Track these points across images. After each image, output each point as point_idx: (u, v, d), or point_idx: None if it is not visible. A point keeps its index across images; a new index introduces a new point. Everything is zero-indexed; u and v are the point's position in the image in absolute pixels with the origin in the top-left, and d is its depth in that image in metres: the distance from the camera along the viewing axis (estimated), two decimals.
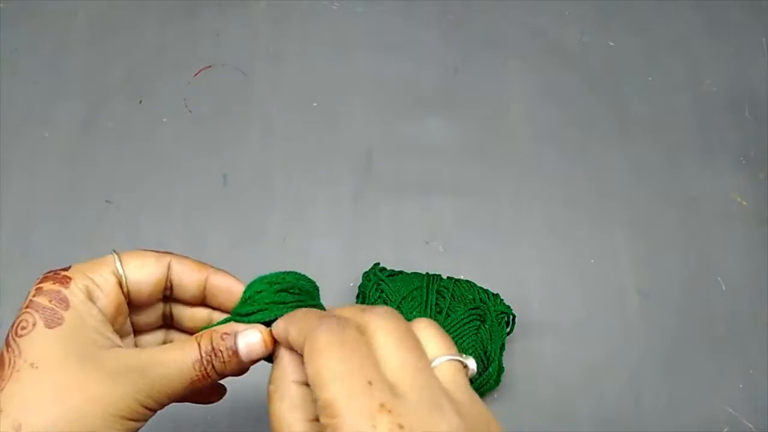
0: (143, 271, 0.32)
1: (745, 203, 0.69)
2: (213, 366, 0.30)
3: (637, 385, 0.61)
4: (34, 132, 0.69)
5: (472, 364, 0.28)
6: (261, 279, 0.36)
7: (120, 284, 0.31)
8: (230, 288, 0.34)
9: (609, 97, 0.74)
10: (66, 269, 0.31)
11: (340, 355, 0.24)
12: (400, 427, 0.22)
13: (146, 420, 0.30)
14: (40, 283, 0.31)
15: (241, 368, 0.32)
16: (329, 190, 0.68)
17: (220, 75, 0.73)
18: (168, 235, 0.65)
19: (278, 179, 0.68)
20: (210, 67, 0.73)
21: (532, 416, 0.60)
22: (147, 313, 0.34)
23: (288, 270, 0.37)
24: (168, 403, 0.31)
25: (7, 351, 0.29)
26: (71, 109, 0.70)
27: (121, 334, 0.33)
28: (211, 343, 0.31)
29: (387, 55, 0.75)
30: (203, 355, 0.30)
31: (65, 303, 0.29)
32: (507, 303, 0.60)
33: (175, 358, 0.30)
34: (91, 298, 0.30)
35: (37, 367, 0.27)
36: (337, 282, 0.64)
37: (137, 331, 0.35)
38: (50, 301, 0.29)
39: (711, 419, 0.60)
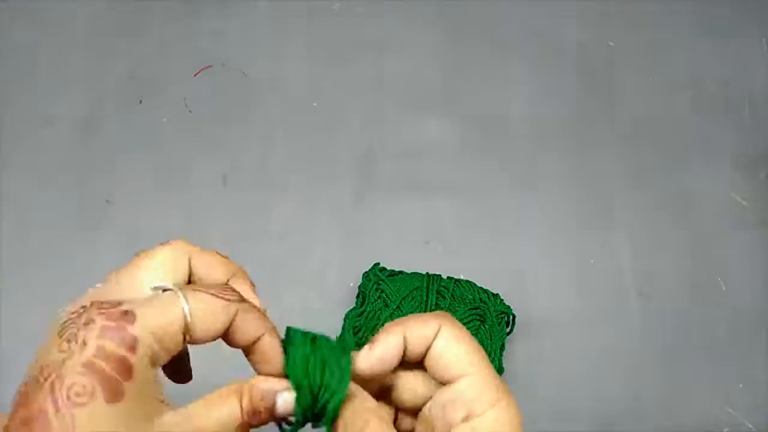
0: (211, 327, 0.28)
1: (745, 203, 0.69)
2: (251, 422, 0.29)
3: (637, 385, 0.61)
4: (34, 132, 0.69)
5: None
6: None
7: (184, 333, 0.28)
8: (272, 363, 0.30)
9: (609, 97, 0.74)
10: (129, 316, 0.26)
11: (476, 342, 0.30)
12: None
13: None
14: (100, 334, 0.26)
15: (268, 422, 0.30)
16: (329, 190, 0.68)
17: (220, 75, 0.73)
18: (168, 236, 0.65)
19: (278, 179, 0.68)
20: (210, 67, 0.73)
21: (532, 416, 0.60)
22: None
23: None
24: None
25: (56, 414, 0.24)
26: (71, 109, 0.70)
27: None
28: (251, 404, 0.29)
29: (387, 55, 0.75)
30: (245, 416, 0.28)
31: (129, 373, 0.25)
32: (507, 303, 0.60)
33: (221, 420, 0.28)
34: (155, 362, 0.27)
35: None
36: (337, 282, 0.64)
37: None
38: (113, 369, 0.25)
39: (711, 419, 0.60)
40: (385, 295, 0.58)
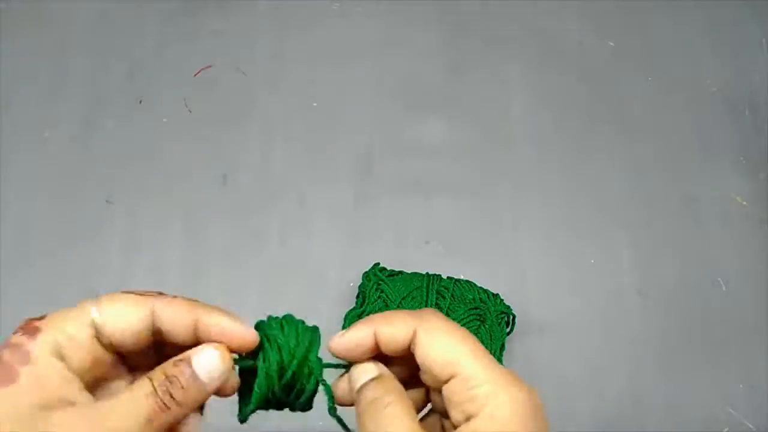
0: (123, 320, 0.29)
1: (745, 203, 0.69)
2: (171, 396, 0.28)
3: (637, 385, 0.61)
4: (34, 132, 0.69)
5: None
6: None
7: (98, 335, 0.29)
8: (224, 330, 0.30)
9: (609, 97, 0.74)
10: (41, 318, 0.29)
11: (463, 335, 0.29)
12: (531, 387, 0.29)
13: None
14: (15, 331, 0.28)
15: (207, 393, 0.29)
16: (329, 190, 0.68)
17: (220, 75, 0.73)
18: (168, 236, 0.65)
19: (278, 179, 0.68)
20: (210, 67, 0.73)
21: None
22: (145, 355, 0.32)
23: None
24: None
25: None
26: (71, 109, 0.70)
27: (110, 380, 0.31)
28: (164, 372, 0.28)
29: (387, 55, 0.75)
30: (157, 387, 0.27)
31: (25, 358, 0.27)
32: (507, 303, 0.60)
33: (125, 400, 0.27)
34: (59, 353, 0.28)
35: None
36: (337, 282, 0.64)
37: (142, 369, 0.32)
38: (11, 354, 0.27)
39: (711, 419, 0.60)
40: (385, 295, 0.58)
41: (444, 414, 0.32)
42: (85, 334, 0.28)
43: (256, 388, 0.29)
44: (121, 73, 0.72)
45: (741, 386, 0.61)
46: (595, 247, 0.67)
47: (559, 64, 0.75)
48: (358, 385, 0.31)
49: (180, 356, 0.29)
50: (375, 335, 0.30)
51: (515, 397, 0.28)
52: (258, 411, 0.31)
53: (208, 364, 0.29)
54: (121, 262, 0.63)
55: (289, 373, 0.30)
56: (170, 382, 0.28)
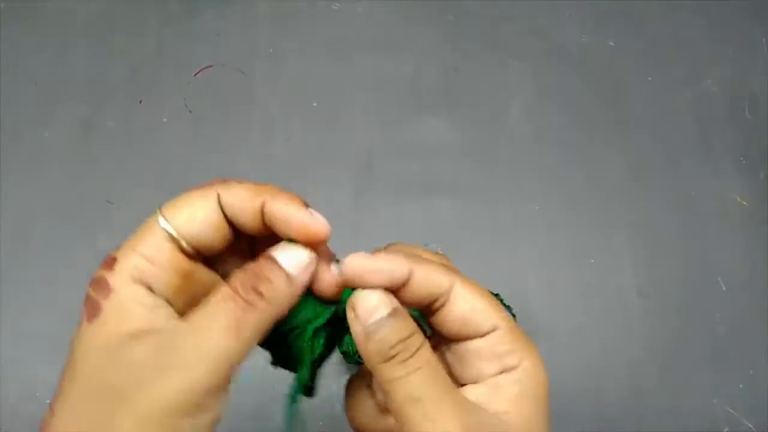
0: (195, 219, 0.27)
1: (745, 203, 0.69)
2: (257, 291, 0.25)
3: (637, 385, 0.61)
4: (34, 132, 0.69)
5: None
6: None
7: (179, 246, 0.27)
8: (288, 218, 0.27)
9: (609, 97, 0.74)
10: (118, 247, 0.28)
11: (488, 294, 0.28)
12: None
13: (217, 405, 0.24)
14: (100, 265, 0.27)
15: (297, 288, 0.26)
16: (329, 190, 0.68)
17: (220, 75, 0.73)
18: None
19: (278, 179, 0.68)
20: (210, 67, 0.73)
21: None
22: (239, 253, 0.29)
23: None
24: (240, 362, 0.25)
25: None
26: (71, 109, 0.70)
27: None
28: (247, 270, 0.26)
29: (387, 55, 0.75)
30: (239, 285, 0.25)
31: (107, 291, 0.26)
32: (507, 303, 0.60)
33: (203, 311, 0.25)
34: (141, 279, 0.26)
35: (74, 368, 0.25)
36: None
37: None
38: (95, 290, 0.26)
39: (711, 419, 0.60)
40: None
41: None
42: (164, 250, 0.27)
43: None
44: (121, 73, 0.72)
45: (741, 386, 0.61)
46: (595, 247, 0.67)
47: (559, 64, 0.75)
48: (370, 322, 0.26)
49: (262, 255, 0.26)
50: (410, 275, 0.27)
51: (540, 357, 0.29)
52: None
53: (293, 255, 0.26)
54: None
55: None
56: (255, 276, 0.25)
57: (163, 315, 0.26)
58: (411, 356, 0.25)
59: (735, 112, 0.73)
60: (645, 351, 0.63)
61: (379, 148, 0.70)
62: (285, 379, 0.29)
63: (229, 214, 0.27)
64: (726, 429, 0.60)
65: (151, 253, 0.27)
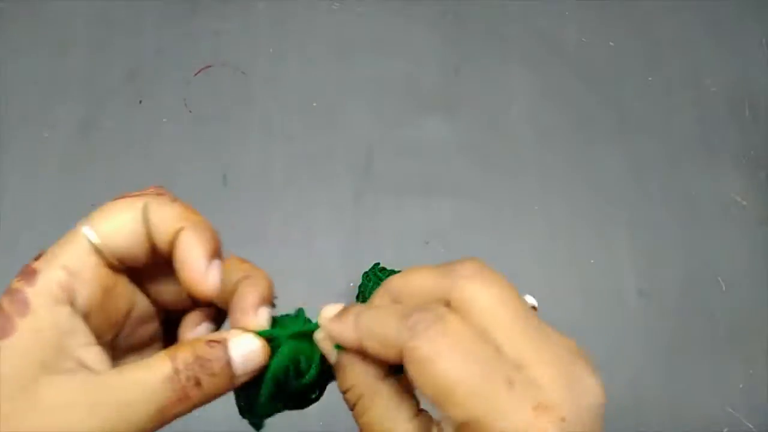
0: (122, 234, 0.25)
1: (745, 203, 0.69)
2: (198, 382, 0.23)
3: (637, 385, 0.61)
4: (34, 132, 0.69)
5: (533, 300, 0.25)
6: None
7: (103, 258, 0.25)
8: (184, 260, 0.25)
9: (609, 97, 0.74)
10: (38, 257, 0.25)
11: (461, 359, 0.20)
12: (563, 420, 0.20)
13: None
14: (16, 275, 0.25)
15: (233, 386, 0.25)
16: (329, 190, 0.68)
17: (220, 75, 0.73)
18: None
19: (278, 179, 0.68)
20: (210, 67, 0.73)
21: None
22: (178, 298, 0.27)
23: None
24: None
25: None
26: (71, 109, 0.70)
27: (141, 342, 0.26)
28: (194, 353, 0.23)
29: (387, 55, 0.75)
30: (181, 368, 0.23)
31: (24, 307, 0.23)
32: None
33: (138, 378, 0.23)
34: (62, 297, 0.24)
35: None
36: (337, 282, 0.64)
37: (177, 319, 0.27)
38: (10, 303, 0.23)
39: (711, 419, 0.60)
40: None
41: None
42: (88, 263, 0.24)
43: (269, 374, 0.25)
44: (121, 73, 0.72)
45: (741, 386, 0.61)
46: (595, 247, 0.67)
47: (559, 64, 0.75)
48: (332, 357, 0.25)
49: (214, 336, 0.24)
50: (360, 347, 0.24)
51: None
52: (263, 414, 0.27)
53: (248, 352, 0.24)
54: None
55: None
56: (200, 366, 0.23)
57: (84, 343, 0.24)
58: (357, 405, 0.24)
59: (735, 112, 0.73)
60: (645, 351, 0.63)
61: (379, 148, 0.70)
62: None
63: (148, 228, 0.25)
64: (726, 429, 0.60)
65: (74, 266, 0.25)
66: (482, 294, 0.23)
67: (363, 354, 0.24)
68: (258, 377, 0.25)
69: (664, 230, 0.68)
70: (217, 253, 0.26)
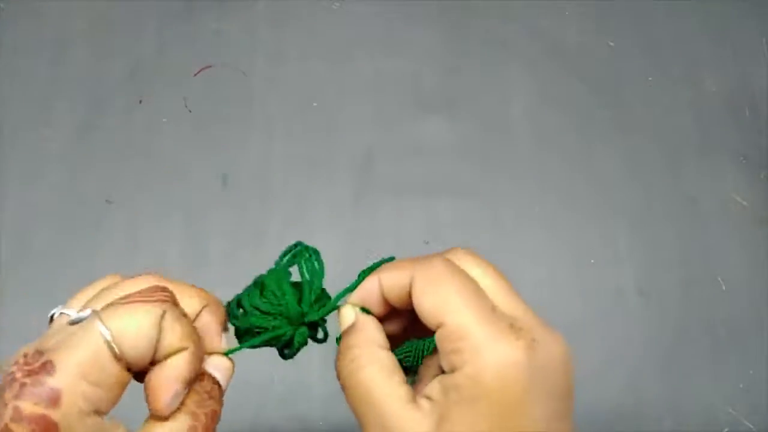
0: (140, 342, 0.24)
1: (745, 203, 0.69)
2: (208, 414, 0.25)
3: (637, 385, 0.61)
4: (34, 132, 0.69)
5: None
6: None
7: (116, 358, 0.24)
8: (158, 387, 0.25)
9: (609, 97, 0.74)
10: (48, 367, 0.23)
11: (460, 285, 0.26)
12: (534, 341, 0.26)
13: None
14: (18, 394, 0.22)
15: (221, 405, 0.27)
16: (329, 190, 0.68)
17: (220, 75, 0.73)
18: (168, 236, 0.65)
19: (278, 179, 0.68)
20: (210, 67, 0.73)
21: None
22: None
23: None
24: None
25: None
26: (71, 109, 0.70)
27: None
28: (199, 396, 0.25)
29: (387, 55, 0.75)
30: (196, 411, 0.25)
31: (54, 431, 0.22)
32: None
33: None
34: (90, 407, 0.23)
35: None
36: (336, 282, 0.63)
37: None
38: (33, 431, 0.22)
39: (711, 419, 0.60)
40: None
41: None
42: (109, 371, 0.23)
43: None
44: (121, 73, 0.72)
45: (741, 386, 0.61)
46: (595, 247, 0.67)
47: (559, 64, 0.75)
48: (341, 332, 0.30)
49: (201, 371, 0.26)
50: (380, 283, 0.30)
51: (502, 356, 0.24)
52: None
53: (223, 370, 0.28)
54: (121, 262, 0.63)
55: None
56: (209, 396, 0.26)
57: None
58: (354, 361, 0.27)
59: (735, 112, 0.73)
60: (645, 351, 0.63)
61: (379, 148, 0.70)
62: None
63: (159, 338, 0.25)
64: (726, 429, 0.60)
65: (95, 377, 0.23)
66: (474, 257, 0.28)
67: (379, 322, 0.29)
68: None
69: (664, 230, 0.68)
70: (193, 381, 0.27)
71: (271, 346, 0.30)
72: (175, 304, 0.26)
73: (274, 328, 0.29)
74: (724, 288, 0.65)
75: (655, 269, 0.66)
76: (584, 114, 0.73)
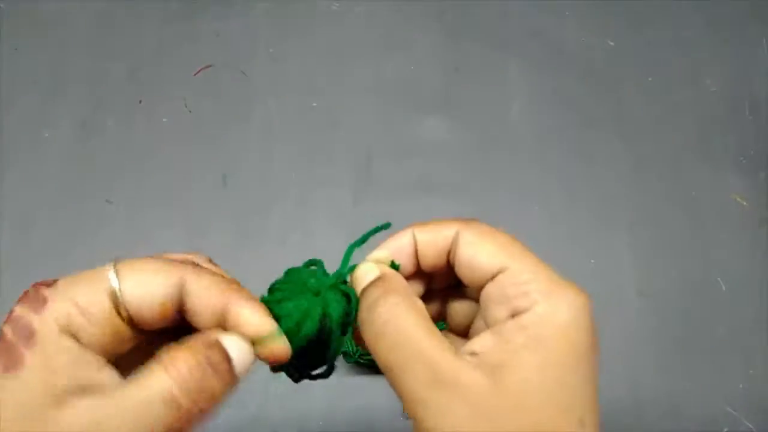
0: (144, 290, 0.24)
1: (745, 203, 0.69)
2: (203, 392, 0.23)
3: (636, 385, 0.61)
4: (34, 132, 0.69)
5: None
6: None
7: (116, 305, 0.24)
8: (256, 327, 0.24)
9: (609, 97, 0.74)
10: (50, 284, 0.24)
11: (502, 236, 0.27)
12: (562, 279, 0.27)
13: None
14: (19, 299, 0.24)
15: (233, 389, 0.24)
16: (329, 190, 0.68)
17: (220, 75, 0.73)
18: (168, 235, 0.65)
19: (278, 179, 0.68)
20: (210, 66, 0.73)
21: None
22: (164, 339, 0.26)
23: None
24: None
25: None
26: (71, 109, 0.70)
27: (136, 360, 0.25)
28: (195, 358, 0.23)
29: (387, 55, 0.75)
30: (181, 381, 0.22)
31: (32, 337, 0.22)
32: None
33: (134, 399, 0.22)
34: (69, 330, 0.23)
35: None
36: None
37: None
38: (14, 332, 0.22)
39: (711, 419, 0.60)
40: None
41: (458, 332, 0.30)
42: (101, 307, 0.24)
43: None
44: (121, 73, 0.72)
45: (741, 386, 0.61)
46: (595, 248, 0.67)
47: (559, 64, 0.75)
48: (359, 290, 0.28)
49: (208, 336, 0.24)
50: (414, 241, 0.29)
51: (574, 300, 0.26)
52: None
53: (242, 352, 0.25)
54: None
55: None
56: (212, 369, 0.23)
57: (96, 368, 0.23)
58: (394, 307, 0.26)
59: (735, 112, 0.73)
60: (644, 351, 0.63)
61: (379, 148, 0.70)
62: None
63: (187, 302, 0.25)
64: (726, 429, 0.60)
65: (85, 304, 0.24)
66: (490, 228, 0.28)
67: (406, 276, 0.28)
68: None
69: (664, 230, 0.68)
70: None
71: (309, 337, 0.28)
72: (195, 266, 0.26)
73: (296, 306, 0.28)
74: (724, 288, 0.65)
75: (655, 269, 0.66)
76: (584, 114, 0.73)
